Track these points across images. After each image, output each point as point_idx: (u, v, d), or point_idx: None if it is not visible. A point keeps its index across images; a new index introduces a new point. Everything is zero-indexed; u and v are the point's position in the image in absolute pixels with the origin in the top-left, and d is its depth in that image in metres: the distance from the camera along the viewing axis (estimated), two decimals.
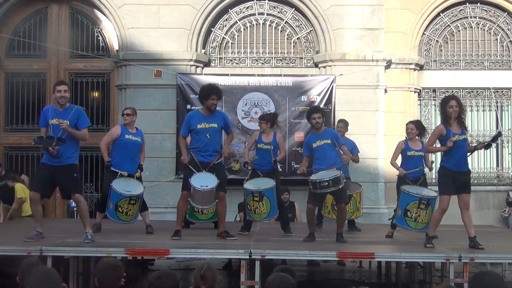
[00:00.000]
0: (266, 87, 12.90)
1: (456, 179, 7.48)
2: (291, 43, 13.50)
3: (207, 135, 7.96)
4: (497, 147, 13.88)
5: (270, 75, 13.11)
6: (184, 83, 12.78)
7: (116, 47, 13.47)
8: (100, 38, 13.74)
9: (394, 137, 13.16)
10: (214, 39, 13.49)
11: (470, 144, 7.78)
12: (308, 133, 10.05)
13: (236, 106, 12.84)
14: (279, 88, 12.90)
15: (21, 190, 11.60)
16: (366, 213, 12.43)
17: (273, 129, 9.28)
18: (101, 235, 8.51)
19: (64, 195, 7.84)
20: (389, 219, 10.50)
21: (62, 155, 7.45)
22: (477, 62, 13.89)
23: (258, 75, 13.04)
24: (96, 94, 13.83)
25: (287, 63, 13.50)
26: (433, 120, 13.74)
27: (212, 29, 13.40)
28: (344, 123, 10.09)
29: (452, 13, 13.95)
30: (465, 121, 7.71)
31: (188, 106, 12.66)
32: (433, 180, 11.75)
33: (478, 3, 13.88)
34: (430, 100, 13.87)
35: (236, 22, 13.48)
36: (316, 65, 13.34)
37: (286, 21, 13.50)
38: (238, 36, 13.52)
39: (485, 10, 13.95)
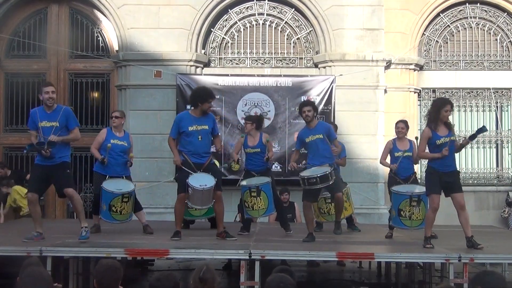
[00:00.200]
0: (266, 87, 12.90)
1: (441, 179, 7.52)
2: (291, 43, 13.51)
3: (199, 137, 7.95)
4: (497, 147, 13.89)
5: (270, 76, 13.11)
6: (184, 84, 12.78)
7: (116, 47, 13.47)
8: (100, 38, 13.74)
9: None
10: (214, 39, 13.50)
11: (457, 143, 7.74)
12: None
13: (236, 107, 12.84)
14: (279, 88, 12.90)
15: (16, 192, 11.56)
16: (365, 214, 12.49)
17: (259, 131, 9.23)
18: (101, 236, 8.52)
19: (60, 193, 7.83)
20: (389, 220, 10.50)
21: (55, 155, 7.51)
22: (477, 62, 13.90)
23: (258, 76, 13.05)
24: (96, 94, 13.83)
25: (287, 64, 13.50)
26: None
27: (212, 29, 13.41)
28: (333, 126, 9.67)
29: (452, 13, 13.96)
30: (450, 123, 7.71)
31: (188, 106, 12.59)
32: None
33: (478, 4, 13.89)
34: (430, 100, 13.82)
35: (236, 22, 13.49)
36: (316, 65, 13.34)
37: (286, 22, 13.50)
38: (238, 36, 13.52)
39: (485, 11, 13.96)
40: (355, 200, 11.51)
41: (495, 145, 13.91)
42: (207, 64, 13.36)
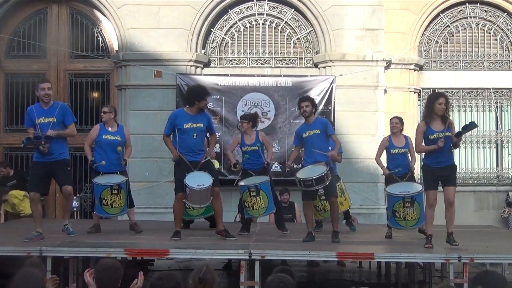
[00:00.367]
0: (266, 87, 12.90)
1: (435, 174, 7.58)
2: (290, 43, 13.51)
3: (194, 135, 7.94)
4: (497, 147, 13.89)
5: (270, 76, 13.11)
6: (184, 84, 12.77)
7: (116, 47, 13.47)
8: (100, 38, 13.74)
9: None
10: (214, 39, 13.50)
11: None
12: None
13: (236, 107, 12.84)
14: (279, 88, 12.90)
15: (14, 197, 11.54)
16: (365, 214, 12.50)
17: (255, 129, 9.24)
18: (101, 236, 8.52)
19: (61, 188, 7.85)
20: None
21: (54, 152, 7.52)
22: (477, 62, 13.90)
23: (258, 76, 13.04)
24: (96, 94, 13.83)
25: (287, 64, 13.50)
26: None
27: (212, 29, 13.41)
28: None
29: (452, 13, 13.96)
30: (449, 118, 7.70)
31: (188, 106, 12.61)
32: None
33: (478, 4, 13.89)
34: (428, 95, 13.84)
35: (236, 22, 13.49)
36: (316, 65, 13.34)
37: (286, 22, 13.50)
38: (238, 36, 13.52)
39: (485, 11, 13.96)
40: (355, 200, 11.55)
41: (495, 145, 13.91)
42: (207, 64, 13.36)
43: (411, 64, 13.50)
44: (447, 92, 13.70)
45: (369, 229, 10.28)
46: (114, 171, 8.69)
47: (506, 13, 13.92)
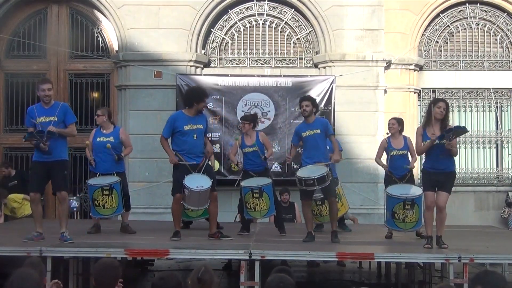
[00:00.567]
0: (266, 87, 12.90)
1: (432, 179, 7.60)
2: (290, 43, 13.51)
3: (194, 136, 7.94)
4: (497, 147, 13.90)
5: (269, 76, 13.11)
6: (184, 84, 12.77)
7: (116, 47, 13.47)
8: (100, 38, 13.74)
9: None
10: (214, 39, 13.50)
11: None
12: None
13: (236, 107, 12.84)
14: (278, 88, 12.90)
15: (13, 201, 11.53)
16: (365, 214, 12.50)
17: (255, 130, 9.24)
18: (101, 236, 8.53)
19: (55, 192, 7.81)
20: None
21: (54, 150, 7.49)
22: (477, 62, 13.90)
23: (258, 76, 13.04)
24: (96, 94, 13.83)
25: (287, 64, 13.51)
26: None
27: (212, 29, 13.41)
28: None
29: (452, 13, 13.96)
30: (448, 124, 7.64)
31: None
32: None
33: (478, 4, 13.88)
34: (430, 100, 13.84)
35: (236, 22, 13.49)
36: (315, 65, 13.34)
37: (285, 22, 13.50)
38: (237, 36, 13.52)
39: (485, 11, 13.96)
40: (355, 201, 11.56)
41: (495, 145, 13.91)
42: (207, 65, 13.36)
43: (411, 64, 13.50)
44: (447, 92, 13.74)
45: (369, 229, 10.29)
46: (111, 172, 8.69)
47: (506, 13, 13.91)
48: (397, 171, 8.92)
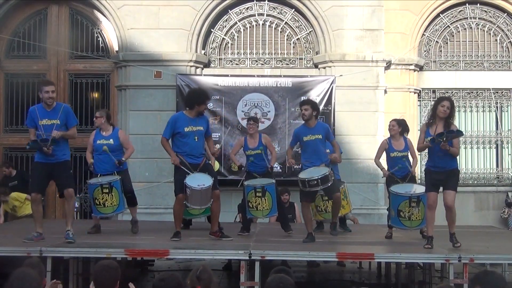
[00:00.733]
0: (266, 88, 12.90)
1: (434, 178, 7.59)
2: (290, 44, 13.51)
3: (195, 138, 7.94)
4: (497, 147, 13.90)
5: (269, 76, 13.11)
6: (184, 84, 12.77)
7: (116, 47, 13.47)
8: (100, 39, 13.74)
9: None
10: (214, 39, 13.50)
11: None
12: None
13: (236, 107, 12.84)
14: (278, 89, 12.89)
15: (14, 199, 11.54)
16: (365, 214, 12.50)
17: (257, 132, 9.26)
18: (101, 236, 8.53)
19: (62, 193, 7.83)
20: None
21: (56, 153, 7.51)
22: (477, 62, 13.90)
23: (258, 76, 13.04)
24: (96, 95, 13.83)
25: (287, 64, 13.51)
26: None
27: (212, 30, 13.41)
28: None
29: (452, 14, 13.96)
30: (452, 123, 7.59)
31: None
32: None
33: (478, 4, 13.89)
34: (430, 100, 13.86)
35: (236, 23, 13.49)
36: (316, 65, 13.34)
37: (285, 22, 13.50)
38: (238, 37, 13.52)
39: (485, 11, 13.96)
40: (355, 201, 11.54)
41: (495, 145, 13.92)
42: (207, 65, 13.36)
43: (411, 64, 13.51)
44: (447, 92, 13.73)
45: (369, 229, 10.28)
46: (111, 172, 8.70)
47: (506, 14, 13.92)
48: (398, 171, 8.92)
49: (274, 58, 13.47)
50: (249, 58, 13.46)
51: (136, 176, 12.54)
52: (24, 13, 13.72)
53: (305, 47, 13.53)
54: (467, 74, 13.84)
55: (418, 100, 13.80)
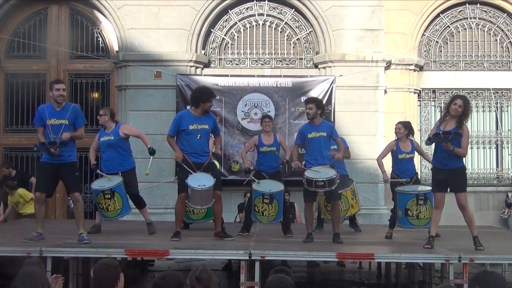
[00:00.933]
0: (266, 88, 12.90)
1: (439, 176, 7.56)
2: (290, 44, 13.51)
3: (198, 136, 7.94)
4: (497, 148, 13.90)
5: (269, 76, 13.11)
6: (184, 84, 12.78)
7: (116, 48, 13.48)
8: (100, 39, 13.75)
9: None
10: (214, 40, 13.50)
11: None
12: None
13: (236, 107, 12.84)
14: (278, 89, 12.90)
15: (19, 196, 11.57)
16: (365, 214, 12.49)
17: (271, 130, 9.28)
18: (101, 236, 8.52)
19: (68, 193, 7.85)
20: (388, 220, 10.49)
21: (63, 154, 7.49)
22: (477, 63, 13.90)
23: (258, 76, 13.04)
24: (96, 95, 13.83)
25: (287, 64, 13.51)
26: (433, 121, 13.74)
27: (212, 30, 13.41)
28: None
29: (452, 14, 13.96)
30: (463, 124, 7.51)
31: (188, 107, 12.63)
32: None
33: (478, 4, 13.89)
34: (430, 101, 13.88)
35: (236, 23, 13.49)
36: (316, 66, 13.34)
37: (285, 22, 13.50)
38: (238, 37, 13.52)
39: (485, 11, 13.96)
40: None
41: (495, 145, 13.91)
42: (207, 65, 13.36)
43: (411, 64, 13.51)
44: (447, 92, 13.74)
45: (369, 230, 10.28)
46: (116, 171, 8.69)
47: (506, 14, 13.92)
48: (404, 174, 8.92)
49: (274, 58, 13.47)
50: (249, 58, 13.46)
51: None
52: (24, 13, 13.72)
53: (305, 47, 13.53)
54: (467, 74, 13.84)
55: (418, 100, 13.80)
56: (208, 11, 13.16)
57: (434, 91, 13.88)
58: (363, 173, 12.76)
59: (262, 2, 13.47)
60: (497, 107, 13.76)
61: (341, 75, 12.84)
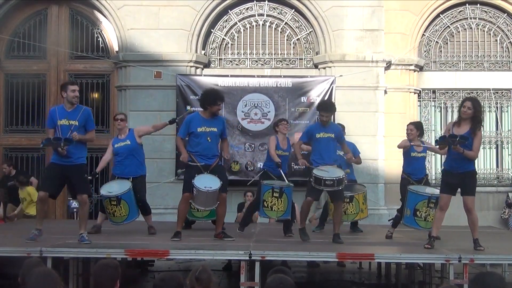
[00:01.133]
0: (266, 88, 12.91)
1: (449, 179, 7.56)
2: (290, 44, 13.51)
3: (208, 139, 7.97)
4: (497, 148, 13.89)
5: (269, 76, 13.12)
6: (184, 84, 12.78)
7: (116, 48, 13.48)
8: (100, 39, 13.74)
9: (394, 138, 13.10)
10: (214, 40, 13.50)
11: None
12: None
13: (236, 107, 12.84)
14: (278, 89, 12.90)
15: (27, 194, 11.58)
16: None
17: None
18: (101, 236, 8.52)
19: (73, 193, 7.85)
20: (389, 220, 10.50)
21: (73, 155, 7.47)
22: (477, 63, 13.89)
23: (258, 76, 13.04)
24: (96, 95, 13.83)
25: (287, 64, 13.51)
26: (433, 121, 13.76)
27: (212, 30, 13.41)
28: (341, 126, 9.60)
29: (452, 14, 13.96)
30: (477, 125, 7.45)
31: (188, 107, 12.68)
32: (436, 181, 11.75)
33: (478, 4, 13.88)
34: (430, 101, 13.87)
35: (236, 23, 13.49)
36: (316, 66, 13.34)
37: (286, 22, 13.50)
38: (238, 37, 13.52)
39: (485, 11, 13.96)
40: None
41: (495, 145, 13.91)
42: (207, 65, 13.36)
43: (411, 64, 13.50)
44: (447, 92, 13.74)
45: (369, 230, 10.28)
46: (128, 176, 8.75)
47: (506, 14, 13.91)
48: (415, 174, 8.93)
49: (274, 58, 13.47)
50: (249, 59, 13.46)
51: None
52: (24, 13, 13.72)
53: (305, 48, 13.53)
54: (467, 75, 13.83)
55: (418, 101, 13.79)
56: (208, 11, 13.16)
57: (434, 91, 13.87)
58: (363, 173, 12.73)
59: (262, 2, 13.47)
60: (497, 107, 13.76)
61: (341, 75, 12.84)
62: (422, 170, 9.03)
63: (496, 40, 13.95)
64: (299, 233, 8.22)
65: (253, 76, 13.03)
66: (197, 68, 13.19)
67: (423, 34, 13.84)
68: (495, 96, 13.77)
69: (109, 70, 13.62)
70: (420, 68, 13.74)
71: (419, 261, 8.24)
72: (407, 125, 9.30)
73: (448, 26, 13.93)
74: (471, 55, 13.90)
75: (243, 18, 13.51)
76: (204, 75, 13.12)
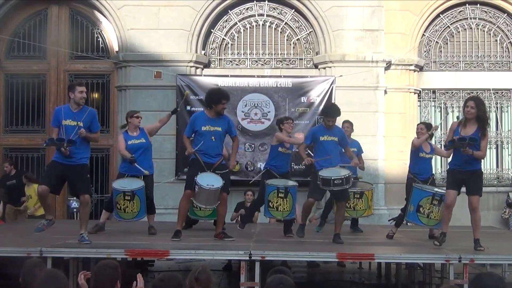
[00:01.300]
0: (266, 88, 12.91)
1: (456, 177, 7.55)
2: (290, 44, 13.51)
3: (212, 138, 7.97)
4: (497, 148, 13.89)
5: (270, 76, 13.12)
6: (184, 84, 12.78)
7: (116, 48, 13.47)
8: (100, 39, 13.74)
9: (394, 138, 13.16)
10: (214, 40, 13.50)
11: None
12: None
13: (236, 107, 12.84)
14: (279, 89, 12.90)
15: (33, 191, 11.59)
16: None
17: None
18: (101, 236, 8.52)
19: (74, 192, 7.84)
20: (389, 220, 10.51)
21: (75, 155, 7.46)
22: (477, 63, 13.89)
23: (258, 76, 13.04)
24: (96, 95, 13.82)
25: (287, 64, 13.51)
26: (433, 121, 13.74)
27: (212, 30, 13.41)
28: (350, 124, 10.04)
29: (452, 14, 13.96)
30: (485, 125, 7.45)
31: (188, 107, 12.68)
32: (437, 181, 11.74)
33: (478, 4, 13.88)
34: (430, 101, 13.87)
35: (236, 23, 13.49)
36: (316, 66, 13.34)
37: (286, 22, 13.50)
38: (238, 37, 13.52)
39: (485, 11, 13.96)
40: None
41: (495, 146, 13.90)
42: (207, 65, 13.36)
43: (411, 65, 13.50)
44: (447, 93, 13.74)
45: (369, 230, 10.27)
46: (139, 174, 8.73)
47: (506, 14, 13.91)
48: (421, 174, 8.96)
49: (274, 58, 13.47)
50: (249, 59, 13.47)
51: None
52: (24, 14, 13.72)
53: (305, 48, 13.53)
54: (467, 75, 13.83)
55: (418, 101, 13.79)
56: (208, 12, 13.16)
57: (434, 92, 13.87)
58: (363, 173, 12.64)
59: (262, 2, 13.47)
60: (497, 108, 13.76)
61: (341, 76, 12.84)
62: (429, 171, 9.09)
63: (496, 40, 13.95)
64: (298, 228, 8.22)
65: (253, 76, 13.04)
66: (197, 68, 13.19)
67: (423, 34, 13.84)
68: (495, 96, 13.77)
69: (109, 70, 13.62)
70: (420, 68, 13.74)
71: (419, 261, 8.24)
72: (418, 125, 9.40)
73: (448, 26, 13.93)
74: (471, 55, 13.90)
75: (243, 18, 13.51)
76: (204, 75, 13.12)
